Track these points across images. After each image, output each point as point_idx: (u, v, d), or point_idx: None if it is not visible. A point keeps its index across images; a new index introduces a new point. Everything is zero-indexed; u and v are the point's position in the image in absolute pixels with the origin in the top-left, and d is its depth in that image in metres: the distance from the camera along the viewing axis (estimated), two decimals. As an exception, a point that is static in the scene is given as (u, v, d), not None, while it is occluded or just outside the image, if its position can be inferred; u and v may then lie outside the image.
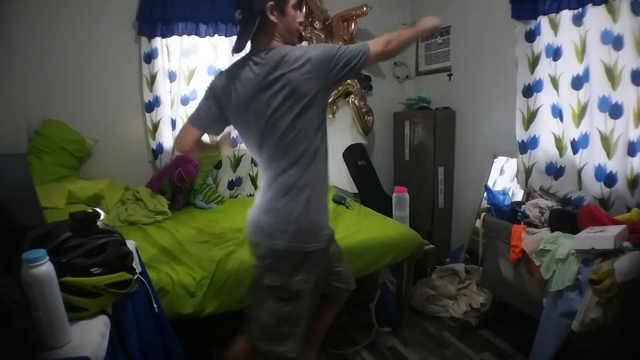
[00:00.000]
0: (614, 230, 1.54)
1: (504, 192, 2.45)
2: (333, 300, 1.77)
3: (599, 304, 1.46)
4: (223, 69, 1.52)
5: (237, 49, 1.41)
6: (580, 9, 1.92)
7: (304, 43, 3.05)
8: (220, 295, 1.79)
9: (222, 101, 1.46)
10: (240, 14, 1.37)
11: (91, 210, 1.11)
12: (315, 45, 1.39)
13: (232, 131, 1.79)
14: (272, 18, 1.35)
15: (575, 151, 2.07)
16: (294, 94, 1.31)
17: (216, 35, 2.77)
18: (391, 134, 3.46)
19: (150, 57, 2.66)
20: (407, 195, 2.45)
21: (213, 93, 1.49)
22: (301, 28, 1.48)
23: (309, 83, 1.31)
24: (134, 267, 1.14)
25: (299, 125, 1.33)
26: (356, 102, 3.14)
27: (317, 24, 3.00)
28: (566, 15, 2.00)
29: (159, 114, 2.75)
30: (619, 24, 1.80)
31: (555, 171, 2.21)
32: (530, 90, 2.24)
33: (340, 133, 3.22)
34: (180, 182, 2.61)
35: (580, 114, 2.02)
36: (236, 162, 3.04)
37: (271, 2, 1.33)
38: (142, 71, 2.68)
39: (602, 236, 1.53)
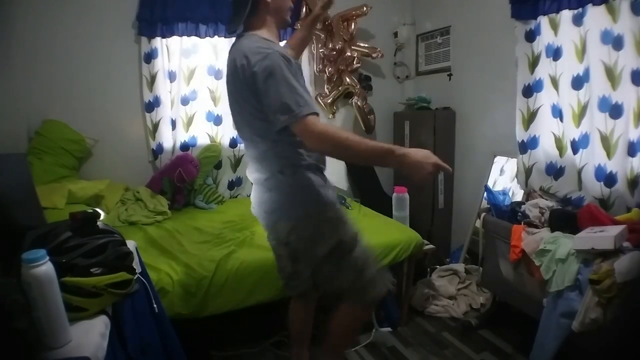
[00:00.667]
0: (614, 230, 1.54)
1: (504, 192, 2.45)
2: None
3: (599, 304, 1.46)
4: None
5: (230, 30, 1.46)
6: (580, 9, 1.92)
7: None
8: (220, 295, 1.79)
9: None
10: None
11: (91, 211, 1.11)
12: (266, 67, 1.23)
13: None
14: None
15: (575, 151, 2.07)
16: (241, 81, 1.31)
17: (216, 36, 2.77)
18: (391, 134, 3.46)
19: (150, 57, 2.66)
20: (407, 195, 2.45)
21: None
22: (291, 10, 1.47)
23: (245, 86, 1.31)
24: (134, 267, 1.14)
25: (249, 110, 1.34)
26: (359, 103, 3.14)
27: (318, 24, 2.99)
28: (566, 15, 2.00)
29: (159, 114, 2.75)
30: (619, 24, 1.80)
31: (555, 171, 2.21)
32: (530, 90, 2.24)
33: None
34: (180, 182, 2.61)
35: (581, 114, 2.02)
36: (236, 162, 3.04)
37: None
38: (142, 71, 2.69)
39: (602, 236, 1.53)
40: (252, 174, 1.49)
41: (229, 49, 1.49)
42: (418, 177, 1.18)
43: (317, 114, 1.22)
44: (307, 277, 1.51)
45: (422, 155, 1.19)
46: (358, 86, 3.16)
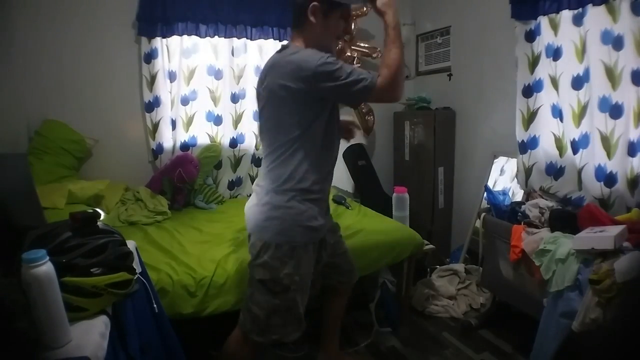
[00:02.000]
0: (614, 230, 1.54)
1: (504, 192, 2.45)
2: (336, 292, 1.81)
3: (599, 304, 1.46)
4: None
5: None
6: (580, 9, 1.92)
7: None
8: (220, 295, 1.79)
9: None
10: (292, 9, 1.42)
11: (91, 211, 1.11)
12: (327, 67, 1.30)
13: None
14: (312, 18, 1.35)
15: (575, 151, 2.07)
16: (275, 90, 1.35)
17: (216, 36, 2.77)
18: (391, 134, 3.47)
19: (150, 57, 2.66)
20: (407, 195, 2.45)
21: None
22: (341, 39, 1.50)
23: (288, 87, 1.32)
24: (134, 267, 1.14)
25: (276, 121, 1.39)
26: (357, 103, 3.14)
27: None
28: (566, 15, 2.00)
29: (159, 114, 2.75)
30: (619, 24, 1.80)
31: (555, 171, 2.21)
32: (530, 90, 2.24)
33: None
34: (180, 182, 2.61)
35: (581, 114, 2.02)
36: (236, 162, 3.04)
37: (315, 2, 1.34)
38: (142, 71, 2.69)
39: (602, 236, 1.53)
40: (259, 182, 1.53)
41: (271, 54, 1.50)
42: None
43: (374, 78, 1.30)
44: None
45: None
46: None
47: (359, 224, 2.35)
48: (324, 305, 1.85)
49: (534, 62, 2.21)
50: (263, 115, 1.46)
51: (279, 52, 1.42)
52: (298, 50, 1.36)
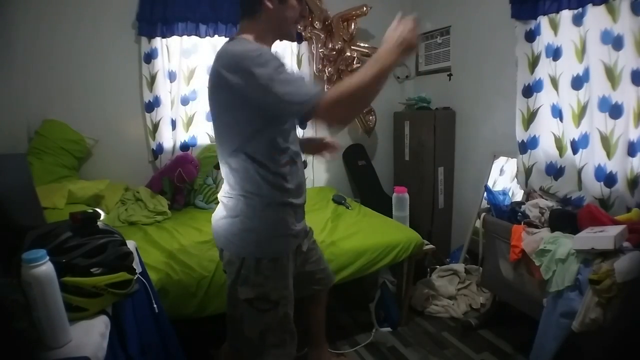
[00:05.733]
0: (614, 230, 1.54)
1: (504, 192, 2.45)
2: (312, 300, 1.71)
3: (599, 304, 1.46)
4: None
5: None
6: (580, 9, 1.92)
7: (304, 43, 3.07)
8: (221, 295, 1.79)
9: None
10: None
11: (91, 211, 1.11)
12: (250, 73, 1.11)
13: None
14: (268, 3, 1.22)
15: (575, 151, 2.07)
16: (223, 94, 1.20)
17: (216, 36, 2.77)
18: (391, 134, 3.46)
19: (150, 57, 2.66)
20: (407, 195, 2.45)
21: None
22: (299, 22, 1.36)
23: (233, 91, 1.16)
24: (134, 267, 1.14)
25: (221, 122, 1.25)
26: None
27: (317, 24, 3.00)
28: (566, 15, 2.00)
29: (159, 114, 2.75)
30: (619, 24, 1.80)
31: (555, 171, 2.21)
32: (530, 90, 2.24)
33: (341, 133, 3.22)
34: (180, 182, 2.61)
35: (580, 114, 2.02)
36: (236, 162, 3.03)
37: None
38: (142, 71, 2.69)
39: (602, 236, 1.53)
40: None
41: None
42: (412, 39, 1.20)
43: (318, 94, 1.12)
44: None
45: (398, 32, 1.21)
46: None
47: (359, 224, 2.35)
48: (305, 313, 1.73)
49: (534, 62, 2.21)
50: (213, 117, 1.30)
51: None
52: (242, 42, 1.22)
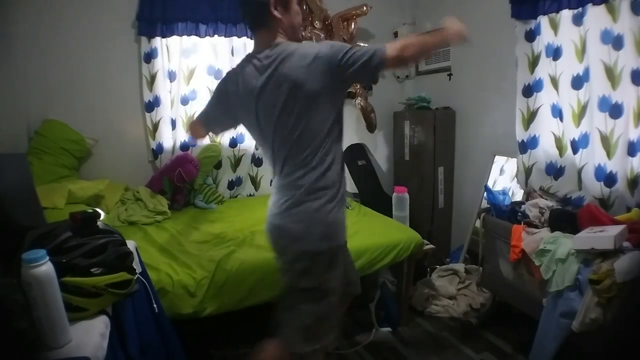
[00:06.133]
0: (614, 230, 1.54)
1: (504, 192, 2.45)
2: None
3: (599, 304, 1.46)
4: (229, 71, 1.51)
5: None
6: (580, 9, 1.92)
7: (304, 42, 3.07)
8: (220, 295, 1.79)
9: (229, 103, 1.46)
10: (244, 10, 1.38)
11: (91, 210, 1.11)
12: (326, 43, 1.32)
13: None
14: (276, 13, 1.32)
15: (575, 151, 2.07)
16: (299, 91, 1.27)
17: (216, 36, 2.77)
18: (391, 134, 3.47)
19: (150, 57, 2.66)
20: (407, 195, 2.45)
21: (218, 95, 1.50)
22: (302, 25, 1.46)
23: (315, 81, 1.27)
24: (134, 267, 1.14)
25: (306, 124, 1.30)
26: (362, 103, 3.14)
27: (317, 24, 3.00)
28: (566, 15, 2.00)
29: (158, 114, 2.75)
30: (619, 24, 1.80)
31: (555, 171, 2.21)
32: (530, 90, 2.24)
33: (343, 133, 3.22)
34: (180, 182, 2.61)
35: (580, 114, 2.02)
36: (236, 162, 3.04)
37: None
38: (142, 71, 2.68)
39: (602, 236, 1.53)
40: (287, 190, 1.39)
41: (231, 68, 1.49)
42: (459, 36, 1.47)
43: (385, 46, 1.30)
44: None
45: (452, 23, 1.49)
46: (358, 86, 3.16)
47: (359, 224, 2.35)
48: None
49: (534, 62, 2.21)
50: (283, 123, 1.33)
51: (257, 60, 1.35)
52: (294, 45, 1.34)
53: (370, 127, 3.24)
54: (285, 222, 1.37)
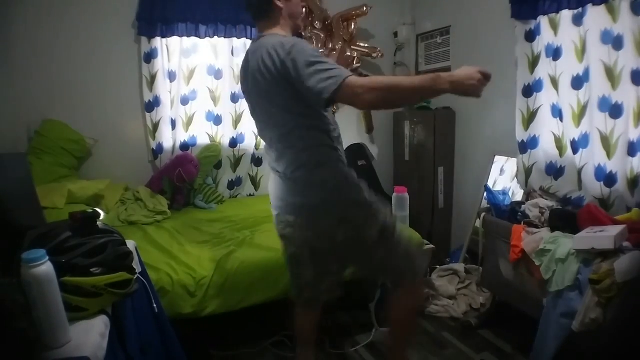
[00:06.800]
0: (614, 230, 1.54)
1: (504, 192, 2.45)
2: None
3: (599, 304, 1.46)
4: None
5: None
6: (580, 9, 1.92)
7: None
8: (220, 295, 1.79)
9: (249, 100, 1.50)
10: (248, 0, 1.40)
11: (91, 210, 1.11)
12: (302, 50, 1.24)
13: None
14: (278, 3, 1.37)
15: (575, 151, 2.07)
16: (275, 78, 1.28)
17: (216, 37, 2.77)
18: (391, 134, 3.46)
19: (150, 57, 2.66)
20: (407, 195, 2.44)
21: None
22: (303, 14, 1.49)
23: (280, 78, 1.27)
24: (134, 267, 1.14)
25: (288, 107, 1.33)
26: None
27: (317, 24, 3.00)
28: (566, 15, 2.00)
29: (159, 114, 2.75)
30: (619, 24, 1.80)
31: (555, 171, 2.21)
32: (530, 90, 2.24)
33: (342, 133, 3.22)
34: (180, 182, 2.61)
35: (580, 114, 2.02)
36: (236, 162, 3.04)
37: None
38: (142, 71, 2.69)
39: (602, 236, 1.53)
40: (280, 168, 1.45)
41: (247, 50, 1.47)
42: (472, 90, 1.22)
43: (352, 75, 1.22)
44: (329, 282, 1.53)
45: (466, 70, 1.23)
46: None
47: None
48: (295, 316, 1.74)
49: (534, 62, 2.21)
50: (261, 109, 1.41)
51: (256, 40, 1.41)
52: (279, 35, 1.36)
53: (369, 128, 3.24)
54: (302, 196, 1.41)
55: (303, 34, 2.92)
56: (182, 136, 2.84)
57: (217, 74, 2.85)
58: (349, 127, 3.28)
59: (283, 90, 1.29)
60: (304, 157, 1.37)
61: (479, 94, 1.22)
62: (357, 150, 3.33)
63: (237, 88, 2.92)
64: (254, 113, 1.48)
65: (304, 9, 1.54)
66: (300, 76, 1.20)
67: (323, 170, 1.39)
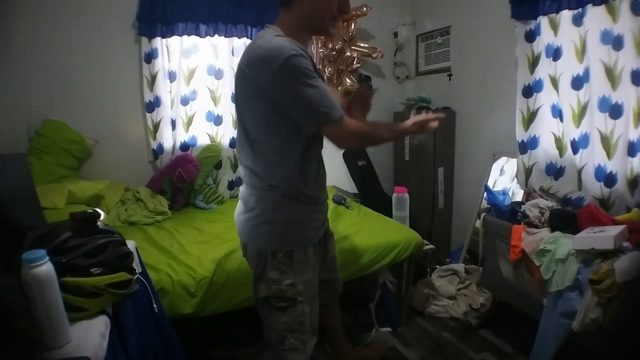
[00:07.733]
0: (614, 230, 1.54)
1: (504, 192, 2.45)
2: (325, 307, 1.64)
3: (599, 304, 1.46)
4: None
5: None
6: (580, 9, 1.92)
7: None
8: (220, 295, 1.79)
9: None
10: None
11: (91, 211, 1.11)
12: (290, 70, 1.13)
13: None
14: None
15: (575, 151, 2.07)
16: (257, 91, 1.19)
17: (216, 36, 2.77)
18: (391, 134, 3.46)
19: (150, 57, 2.66)
20: (407, 195, 2.45)
21: None
22: (337, 18, 1.33)
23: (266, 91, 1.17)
24: (134, 267, 1.14)
25: (259, 120, 1.24)
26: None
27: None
28: (566, 15, 2.00)
29: (159, 114, 2.75)
30: (619, 24, 1.80)
31: (555, 171, 2.21)
32: (530, 91, 2.24)
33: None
34: (180, 182, 2.61)
35: (580, 114, 2.02)
36: (236, 162, 3.04)
37: None
38: (142, 71, 2.69)
39: (602, 236, 1.53)
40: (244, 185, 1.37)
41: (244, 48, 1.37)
42: (419, 132, 1.34)
43: (343, 115, 1.19)
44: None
45: (411, 120, 1.32)
46: (358, 86, 3.16)
47: (359, 224, 2.35)
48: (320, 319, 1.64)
49: (534, 62, 2.20)
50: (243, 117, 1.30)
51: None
52: (272, 38, 1.19)
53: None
54: (239, 220, 1.37)
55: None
56: (182, 136, 2.84)
57: (218, 74, 2.85)
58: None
59: (263, 101, 1.21)
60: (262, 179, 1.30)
61: (426, 131, 1.33)
62: (357, 151, 3.33)
63: (237, 88, 2.92)
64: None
65: (341, 10, 1.38)
66: (288, 95, 1.15)
67: (268, 198, 1.30)
